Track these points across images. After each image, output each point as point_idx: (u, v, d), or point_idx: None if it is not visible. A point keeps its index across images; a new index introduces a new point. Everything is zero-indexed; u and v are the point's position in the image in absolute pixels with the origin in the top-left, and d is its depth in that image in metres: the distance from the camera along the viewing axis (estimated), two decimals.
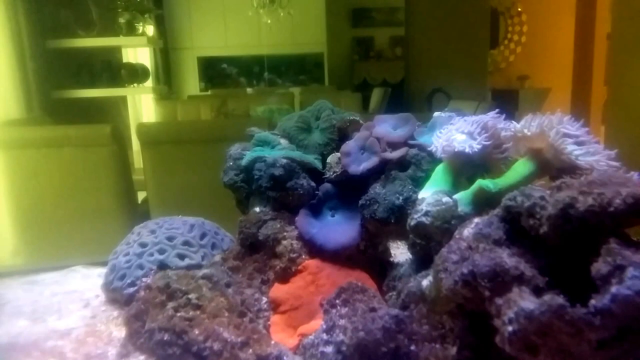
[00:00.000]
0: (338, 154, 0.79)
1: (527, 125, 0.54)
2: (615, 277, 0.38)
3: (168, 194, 2.30)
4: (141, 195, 2.49)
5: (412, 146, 0.73)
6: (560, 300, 0.38)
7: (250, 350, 0.61)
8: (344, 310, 0.62)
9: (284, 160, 0.77)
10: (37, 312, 0.88)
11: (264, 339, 0.64)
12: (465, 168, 0.60)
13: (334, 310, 0.64)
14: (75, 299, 0.91)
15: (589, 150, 0.49)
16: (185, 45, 6.23)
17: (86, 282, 1.01)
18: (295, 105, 4.22)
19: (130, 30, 3.63)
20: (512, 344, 0.41)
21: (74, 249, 2.12)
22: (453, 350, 0.49)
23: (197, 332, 0.62)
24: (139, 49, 4.86)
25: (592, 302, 0.38)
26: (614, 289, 0.37)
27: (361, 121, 0.82)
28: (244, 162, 0.80)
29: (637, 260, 0.38)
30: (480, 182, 0.54)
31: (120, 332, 0.78)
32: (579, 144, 0.50)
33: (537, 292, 0.42)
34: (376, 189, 0.72)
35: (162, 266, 0.83)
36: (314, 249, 0.75)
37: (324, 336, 0.62)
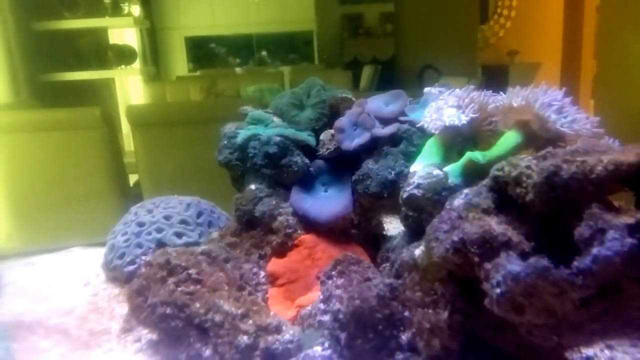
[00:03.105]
0: (331, 131, 0.80)
1: (513, 97, 0.56)
2: (596, 240, 0.40)
3: (160, 176, 2.30)
4: (132, 179, 2.49)
5: (403, 122, 0.74)
6: (544, 262, 0.40)
7: (250, 321, 0.63)
8: (340, 281, 0.65)
9: (278, 138, 0.78)
10: (39, 292, 0.89)
11: (263, 311, 0.66)
12: (455, 141, 0.61)
13: (330, 282, 0.66)
14: (76, 279, 0.93)
15: (573, 118, 0.51)
16: (172, 25, 6.13)
17: (84, 263, 1.02)
18: (285, 84, 4.19)
19: (116, 10, 3.57)
20: (500, 305, 0.43)
21: (67, 233, 2.13)
22: (444, 314, 0.52)
23: (198, 305, 0.64)
24: (125, 30, 4.78)
25: (575, 263, 0.40)
26: (595, 250, 0.39)
27: (353, 98, 0.83)
28: (238, 140, 0.81)
29: (617, 223, 0.40)
30: (469, 155, 0.56)
31: (122, 309, 0.80)
32: (563, 113, 0.52)
33: (524, 256, 0.44)
34: (369, 164, 0.74)
35: (160, 244, 0.84)
36: (308, 223, 0.77)
37: (321, 306, 0.64)
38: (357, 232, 0.78)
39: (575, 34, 4.90)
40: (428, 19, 3.82)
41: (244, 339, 0.61)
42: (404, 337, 0.55)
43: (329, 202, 0.78)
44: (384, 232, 0.82)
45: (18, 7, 2.92)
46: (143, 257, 0.83)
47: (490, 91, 0.64)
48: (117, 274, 0.86)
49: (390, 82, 4.18)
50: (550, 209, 0.45)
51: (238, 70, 5.57)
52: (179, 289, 0.66)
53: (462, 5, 3.83)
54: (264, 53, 6.04)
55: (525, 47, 5.28)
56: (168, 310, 0.64)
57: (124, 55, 3.76)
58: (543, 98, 0.52)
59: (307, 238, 0.76)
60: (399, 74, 4.10)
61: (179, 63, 6.18)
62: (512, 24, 5.42)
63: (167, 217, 0.88)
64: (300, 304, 0.70)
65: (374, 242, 0.78)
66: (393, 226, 0.89)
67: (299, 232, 0.76)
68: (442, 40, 3.74)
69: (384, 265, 0.71)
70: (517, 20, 5.39)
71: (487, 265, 0.45)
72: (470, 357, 0.54)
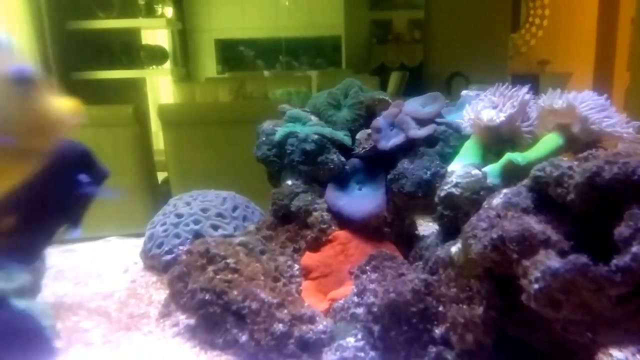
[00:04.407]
0: (367, 131, 0.82)
1: (554, 99, 0.57)
2: (636, 239, 0.41)
3: (189, 174, 2.35)
4: (159, 176, 2.54)
5: (440, 124, 0.76)
6: (584, 259, 0.41)
7: (286, 311, 0.65)
8: (374, 276, 0.66)
9: (316, 136, 0.80)
10: (79, 277, 0.93)
11: (297, 301, 0.68)
12: (494, 142, 0.63)
13: (364, 276, 0.67)
14: (115, 266, 0.96)
15: (616, 121, 0.52)
16: (202, 27, 6.23)
17: (122, 251, 1.06)
18: (313, 88, 4.22)
19: (150, 11, 3.66)
20: (538, 300, 0.44)
21: (94, 226, 2.18)
22: (479, 310, 0.53)
23: (236, 292, 0.67)
24: (157, 31, 4.89)
25: (614, 261, 0.41)
26: (634, 248, 0.40)
27: (389, 100, 0.85)
28: (276, 137, 0.83)
29: None
30: (509, 156, 0.57)
31: (159, 295, 0.83)
32: (605, 116, 0.52)
33: (562, 255, 0.45)
34: (404, 164, 0.75)
35: (197, 236, 0.87)
36: (343, 220, 0.79)
37: (355, 299, 0.66)
38: (390, 230, 0.80)
39: (609, 45, 4.82)
40: (458, 26, 3.81)
41: (280, 327, 0.63)
42: (438, 331, 0.56)
43: (363, 200, 0.80)
44: (416, 232, 0.83)
45: (53, 6, 3.02)
46: (180, 247, 0.86)
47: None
48: (155, 263, 0.89)
49: (418, 89, 4.18)
50: (590, 209, 0.46)
51: (266, 73, 5.63)
52: (218, 276, 0.69)
53: (493, 13, 3.80)
54: (281, 56, 6.09)
55: (557, 57, 5.21)
56: (207, 297, 0.67)
57: (155, 56, 3.84)
58: (586, 101, 0.53)
59: (341, 234, 0.78)
60: (427, 81, 4.09)
61: (208, 65, 6.28)
62: (544, 33, 5.35)
63: (204, 210, 0.91)
64: (332, 297, 0.72)
65: (406, 241, 0.80)
66: (422, 228, 0.90)
67: (333, 228, 0.78)
68: (472, 47, 3.72)
69: (416, 263, 0.72)
70: (550, 30, 5.32)
71: (526, 262, 0.46)
72: (503, 354, 0.55)
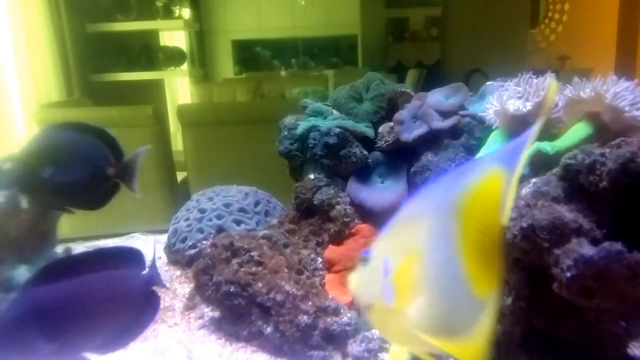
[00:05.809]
0: (390, 124, 0.81)
1: (581, 88, 0.56)
2: None
3: (208, 174, 2.37)
4: (178, 176, 2.56)
5: (464, 116, 0.75)
6: (618, 246, 0.41)
7: (310, 303, 0.65)
8: None
9: (338, 129, 0.80)
10: None
11: (321, 294, 0.68)
12: (520, 133, 0.62)
13: None
14: None
15: None
16: (219, 28, 6.28)
17: (146, 247, 1.07)
18: (329, 87, 4.22)
19: (167, 13, 3.70)
20: (570, 289, 0.43)
21: (114, 225, 2.22)
22: (508, 301, 0.52)
23: (260, 284, 0.67)
24: (175, 33, 4.93)
25: None
26: None
27: (412, 92, 0.85)
28: (298, 131, 0.83)
29: None
30: (537, 145, 0.56)
31: (183, 289, 0.84)
32: (636, 104, 0.51)
33: (595, 243, 0.44)
34: (429, 156, 0.75)
35: (220, 230, 0.88)
36: (365, 212, 0.78)
37: None
38: None
39: (630, 40, 4.73)
40: (476, 23, 3.77)
41: (304, 319, 0.63)
42: None
43: (385, 192, 0.79)
44: None
45: (73, 10, 3.06)
46: (204, 242, 0.87)
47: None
48: (179, 257, 0.90)
49: (436, 87, 4.15)
50: (624, 197, 0.45)
51: (283, 73, 5.65)
52: (242, 269, 0.69)
53: (512, 9, 3.76)
54: (297, 56, 6.11)
55: (577, 53, 5.12)
56: (232, 289, 0.67)
57: (173, 57, 3.88)
58: (614, 89, 0.52)
59: (364, 227, 0.78)
60: (445, 78, 4.06)
61: (225, 65, 6.32)
62: (563, 28, 5.26)
63: (226, 205, 0.92)
64: None
65: None
66: None
67: (356, 221, 0.78)
68: (491, 44, 3.68)
69: None
70: (569, 25, 5.24)
71: (557, 251, 0.45)
72: (532, 345, 0.54)
